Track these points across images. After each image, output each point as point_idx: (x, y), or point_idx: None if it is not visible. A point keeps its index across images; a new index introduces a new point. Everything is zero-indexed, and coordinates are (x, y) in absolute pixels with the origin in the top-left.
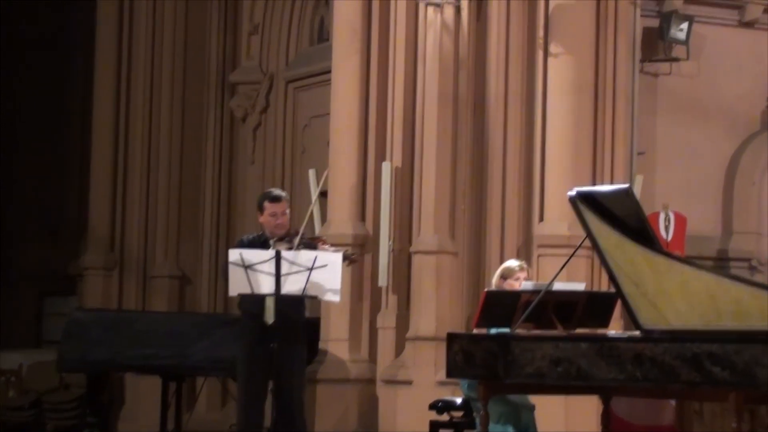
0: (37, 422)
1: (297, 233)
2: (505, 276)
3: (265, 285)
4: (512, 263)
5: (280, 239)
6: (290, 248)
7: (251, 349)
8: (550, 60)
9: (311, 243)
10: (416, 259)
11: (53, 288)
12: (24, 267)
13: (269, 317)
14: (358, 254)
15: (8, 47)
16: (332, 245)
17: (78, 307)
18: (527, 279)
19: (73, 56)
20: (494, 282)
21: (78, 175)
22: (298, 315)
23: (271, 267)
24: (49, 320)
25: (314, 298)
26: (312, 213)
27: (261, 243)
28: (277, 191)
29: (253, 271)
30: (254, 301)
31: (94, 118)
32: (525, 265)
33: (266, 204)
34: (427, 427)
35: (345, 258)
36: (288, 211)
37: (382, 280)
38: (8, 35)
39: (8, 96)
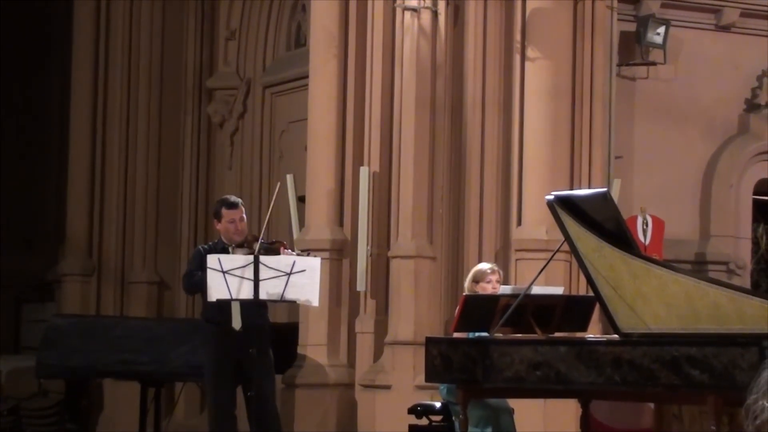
0: (16, 429)
1: (255, 239)
2: (477, 279)
3: (245, 290)
4: (483, 266)
5: (239, 245)
6: (251, 254)
7: (217, 357)
8: (527, 64)
9: (272, 248)
10: (394, 264)
11: (31, 294)
12: (1, 274)
13: (236, 323)
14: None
15: None
16: (292, 249)
17: (56, 313)
18: (500, 282)
19: (50, 63)
20: (467, 286)
21: (55, 180)
22: (263, 320)
23: (249, 272)
24: (27, 327)
25: (293, 302)
26: (290, 218)
27: (219, 251)
28: (233, 198)
29: (231, 277)
30: (219, 308)
31: (72, 124)
32: (496, 268)
33: (224, 211)
34: None
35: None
36: (245, 216)
37: (361, 285)
38: None
39: None
